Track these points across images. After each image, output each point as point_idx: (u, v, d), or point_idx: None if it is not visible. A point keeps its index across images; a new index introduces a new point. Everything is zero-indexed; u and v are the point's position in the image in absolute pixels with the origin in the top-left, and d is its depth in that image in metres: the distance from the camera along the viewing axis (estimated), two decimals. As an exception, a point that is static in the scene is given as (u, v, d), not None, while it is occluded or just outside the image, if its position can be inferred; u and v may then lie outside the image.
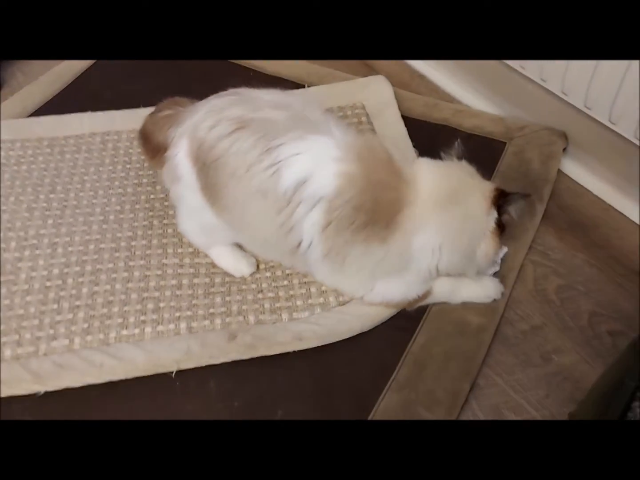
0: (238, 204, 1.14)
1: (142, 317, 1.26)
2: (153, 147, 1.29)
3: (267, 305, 1.28)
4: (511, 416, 1.15)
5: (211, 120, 1.12)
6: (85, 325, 1.25)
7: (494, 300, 1.27)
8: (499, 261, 1.32)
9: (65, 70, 1.92)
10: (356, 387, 1.17)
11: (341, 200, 1.07)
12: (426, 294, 1.24)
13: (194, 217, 1.29)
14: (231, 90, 1.19)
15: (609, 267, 1.37)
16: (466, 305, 1.28)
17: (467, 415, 1.15)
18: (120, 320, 1.26)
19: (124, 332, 1.23)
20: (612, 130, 1.37)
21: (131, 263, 1.37)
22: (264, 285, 1.32)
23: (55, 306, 1.28)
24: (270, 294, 1.30)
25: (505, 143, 1.59)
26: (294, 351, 1.20)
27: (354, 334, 1.23)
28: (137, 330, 1.24)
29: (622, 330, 1.25)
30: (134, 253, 1.39)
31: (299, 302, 1.28)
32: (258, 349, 1.19)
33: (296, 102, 1.16)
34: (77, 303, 1.29)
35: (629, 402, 0.77)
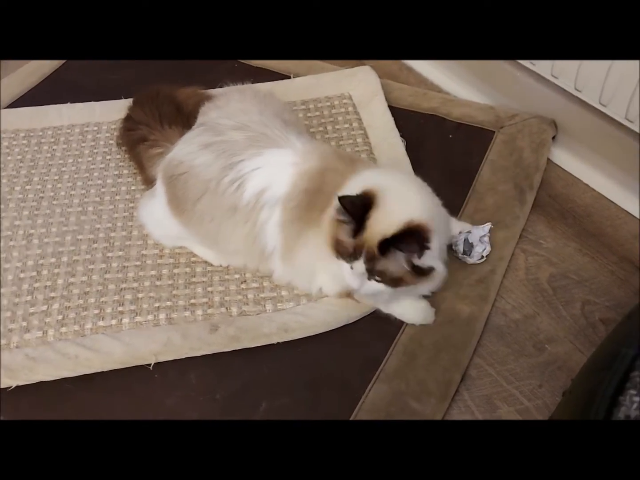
0: (213, 221, 1.18)
1: (120, 308, 1.21)
2: (150, 178, 1.36)
3: (250, 296, 1.23)
4: (503, 407, 1.11)
5: (181, 145, 1.22)
6: (60, 317, 1.19)
7: (425, 321, 1.19)
8: (487, 240, 1.28)
9: (44, 62, 1.87)
10: (343, 378, 1.12)
11: (295, 192, 1.13)
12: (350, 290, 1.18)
13: (160, 225, 1.30)
14: (199, 122, 1.27)
15: (602, 255, 1.34)
16: (457, 294, 1.24)
17: (458, 406, 1.11)
18: (96, 311, 1.20)
19: (101, 323, 1.18)
20: (603, 115, 1.34)
21: (109, 254, 1.32)
22: (248, 275, 1.27)
23: (29, 298, 1.23)
24: (254, 284, 1.25)
25: (494, 132, 1.56)
26: (279, 342, 1.15)
27: (341, 324, 1.19)
28: (114, 322, 1.18)
29: (616, 319, 1.21)
30: (113, 244, 1.34)
31: (284, 293, 1.23)
32: (242, 340, 1.14)
33: (256, 123, 1.21)
34: (52, 295, 1.24)
35: (627, 372, 0.72)
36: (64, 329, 1.17)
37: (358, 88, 1.69)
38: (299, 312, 1.19)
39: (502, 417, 1.09)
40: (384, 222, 1.00)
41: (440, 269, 1.06)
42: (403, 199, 1.05)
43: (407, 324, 1.20)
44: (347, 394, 1.09)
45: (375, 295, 1.10)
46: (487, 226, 1.29)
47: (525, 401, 1.11)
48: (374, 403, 1.08)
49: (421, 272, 1.03)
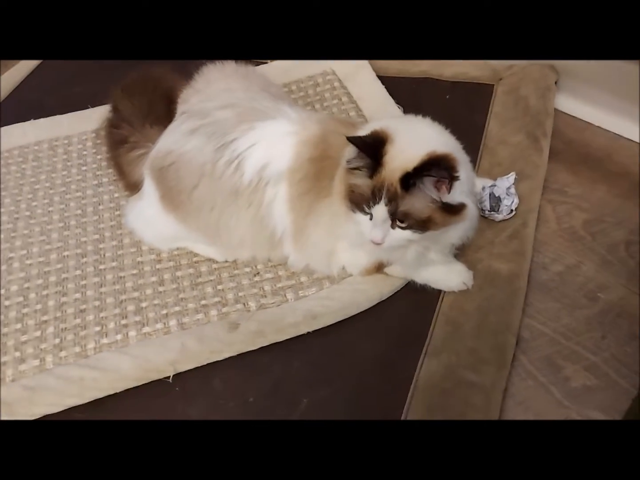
0: (214, 210, 1.06)
1: (124, 321, 1.07)
2: (131, 184, 1.25)
3: (267, 288, 1.10)
4: (568, 365, 0.99)
5: (166, 136, 1.11)
6: (57, 341, 1.05)
7: (464, 286, 1.07)
8: (514, 192, 1.17)
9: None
10: (386, 360, 1.00)
11: (300, 162, 1.02)
12: (381, 263, 1.06)
13: (153, 227, 1.18)
14: (180, 111, 1.16)
15: (635, 194, 1.24)
16: (491, 253, 1.13)
17: (518, 373, 0.99)
18: (97, 328, 1.07)
19: (104, 340, 1.04)
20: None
21: (102, 266, 1.18)
22: (260, 267, 1.14)
23: (19, 326, 1.09)
24: (269, 275, 1.13)
25: (493, 85, 1.47)
26: (308, 332, 1.03)
27: (373, 303, 1.06)
28: (119, 337, 1.05)
29: (666, 254, 1.12)
30: (104, 256, 1.20)
31: (303, 279, 1.11)
32: (266, 335, 1.01)
33: (243, 98, 1.10)
34: (44, 318, 1.10)
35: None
36: (63, 353, 1.03)
37: (341, 63, 1.59)
38: (323, 296, 1.07)
39: (568, 377, 0.98)
40: (403, 157, 0.88)
41: (471, 206, 0.94)
42: (419, 134, 0.94)
43: (444, 292, 1.08)
44: (395, 375, 0.97)
45: (403, 250, 0.96)
46: (512, 176, 1.19)
47: (590, 356, 1.00)
48: (426, 381, 0.96)
49: (451, 210, 0.90)
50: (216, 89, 1.15)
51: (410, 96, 1.49)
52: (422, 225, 0.89)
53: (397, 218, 0.89)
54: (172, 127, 1.13)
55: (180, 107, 1.21)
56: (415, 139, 0.92)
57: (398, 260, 1.02)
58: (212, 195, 1.04)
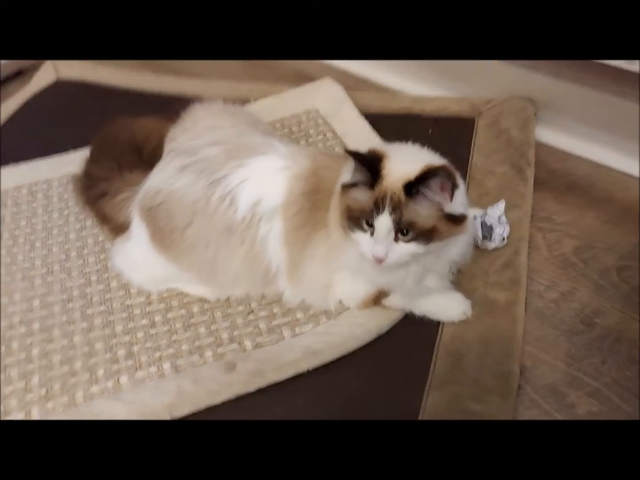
0: (208, 247, 1.04)
1: (115, 367, 1.03)
2: (116, 228, 1.23)
3: (262, 326, 1.08)
4: (571, 392, 0.98)
5: (154, 175, 1.10)
6: (43, 391, 1.00)
7: (464, 315, 1.06)
8: (505, 220, 1.18)
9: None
10: (390, 394, 0.97)
11: (293, 196, 1.02)
12: (382, 292, 1.05)
13: (142, 268, 1.15)
14: (167, 150, 1.16)
15: (622, 219, 1.26)
16: (486, 282, 1.13)
17: (523, 402, 0.97)
18: (87, 375, 1.02)
19: (94, 388, 1.00)
20: (577, 79, 1.30)
21: (89, 311, 1.14)
22: (253, 304, 1.12)
23: (2, 376, 1.03)
24: (263, 313, 1.10)
25: (474, 118, 1.50)
26: (308, 370, 1.00)
27: (373, 337, 1.04)
28: (110, 383, 1.00)
29: (657, 278, 1.13)
30: (91, 300, 1.17)
31: (299, 315, 1.09)
32: (265, 374, 0.98)
33: (232, 135, 1.10)
34: (29, 367, 1.05)
35: None
36: (50, 404, 0.98)
37: (324, 100, 1.61)
38: (321, 332, 1.05)
39: (573, 404, 0.96)
40: (402, 168, 0.88)
41: (470, 218, 0.95)
42: (413, 153, 0.96)
43: (444, 323, 1.06)
44: (400, 410, 0.94)
45: (404, 273, 0.95)
46: (502, 204, 1.20)
47: (592, 382, 0.99)
48: (432, 413, 0.93)
49: (454, 220, 0.90)
50: (203, 126, 1.15)
51: (393, 132, 1.48)
52: (426, 235, 0.88)
53: (402, 228, 0.88)
54: (160, 167, 1.12)
55: (168, 146, 1.19)
56: (410, 156, 0.94)
57: (398, 286, 1.00)
58: (206, 232, 1.03)
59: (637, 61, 1.13)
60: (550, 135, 1.48)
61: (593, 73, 1.34)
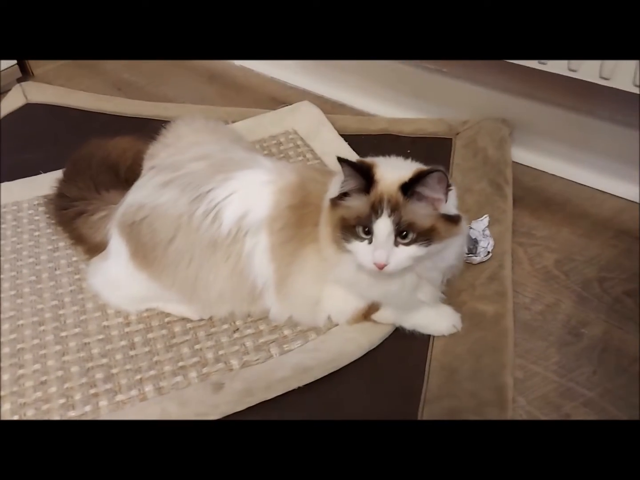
0: (192, 263, 1.01)
1: (92, 391, 0.97)
2: (92, 248, 1.20)
3: (249, 344, 1.04)
4: (566, 403, 0.97)
5: (135, 192, 1.07)
6: (15, 418, 0.93)
7: (454, 329, 1.05)
8: (489, 234, 1.19)
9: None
10: (384, 409, 0.95)
11: (279, 210, 1.00)
12: (372, 306, 1.03)
13: (120, 288, 1.11)
14: (148, 167, 1.15)
15: (598, 233, 1.29)
16: (473, 295, 1.12)
17: (519, 415, 0.96)
18: (62, 400, 0.96)
19: (71, 413, 0.94)
20: (548, 100, 1.35)
21: (63, 334, 1.09)
22: (239, 322, 1.08)
23: (-32, 404, 0.96)
24: (249, 331, 1.07)
25: (451, 139, 1.53)
26: (299, 387, 0.96)
27: (364, 352, 1.02)
28: (88, 408, 0.94)
29: (638, 289, 1.14)
30: (65, 322, 1.11)
31: (287, 332, 1.06)
32: (255, 393, 0.94)
33: (216, 150, 1.09)
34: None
35: None
36: (22, 431, 0.91)
37: (302, 122, 1.61)
38: (311, 348, 1.01)
39: (569, 414, 0.95)
40: (395, 174, 0.89)
41: (463, 219, 0.95)
42: (400, 162, 0.97)
43: (434, 337, 1.05)
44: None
45: (400, 283, 0.94)
46: (486, 218, 1.21)
47: (586, 392, 0.99)
48: (430, 429, 0.90)
49: (451, 220, 0.90)
50: (187, 142, 1.13)
51: (373, 152, 1.48)
52: (426, 236, 0.87)
53: (401, 230, 0.86)
54: (140, 183, 1.09)
55: (148, 163, 1.17)
56: (399, 164, 0.95)
57: (392, 298, 0.98)
58: (190, 247, 0.99)
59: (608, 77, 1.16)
60: (524, 155, 1.51)
61: (564, 94, 1.38)
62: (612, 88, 1.18)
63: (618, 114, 1.32)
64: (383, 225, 0.86)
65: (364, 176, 0.88)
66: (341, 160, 0.88)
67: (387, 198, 0.86)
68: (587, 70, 1.15)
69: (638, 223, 1.29)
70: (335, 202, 0.92)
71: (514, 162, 1.50)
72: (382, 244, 0.86)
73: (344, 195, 0.91)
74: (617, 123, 1.33)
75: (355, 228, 0.88)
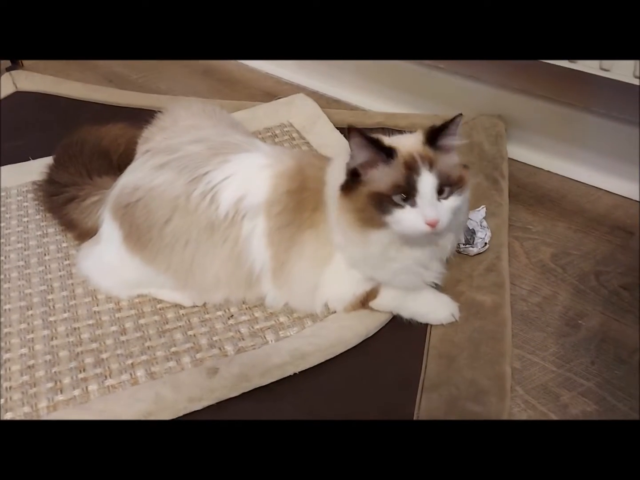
0: (188, 245, 0.99)
1: (81, 375, 0.94)
2: (83, 233, 1.17)
3: (244, 330, 1.02)
4: (564, 393, 0.96)
5: (130, 174, 1.05)
6: (1, 402, 0.90)
7: (452, 318, 1.04)
8: (486, 225, 1.19)
9: None
10: (381, 397, 0.93)
11: (278, 194, 0.99)
12: (370, 294, 1.02)
13: (112, 272, 1.08)
14: (142, 151, 1.13)
15: (593, 228, 1.29)
16: (471, 286, 1.11)
17: (517, 404, 0.94)
18: (50, 384, 0.93)
19: (60, 397, 0.91)
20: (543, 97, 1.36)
21: (51, 318, 1.06)
22: (233, 309, 1.06)
23: (-48, 388, 0.93)
24: (244, 317, 1.04)
25: (447, 135, 1.52)
26: (296, 374, 0.94)
27: (361, 339, 1.00)
28: (77, 392, 0.91)
29: (635, 282, 1.14)
30: (54, 307, 1.08)
31: (282, 319, 1.04)
32: (251, 378, 0.91)
33: (214, 134, 1.08)
34: (-15, 377, 0.94)
35: None
36: (9, 415, 0.88)
37: (297, 115, 1.60)
38: (308, 334, 0.99)
39: (567, 404, 0.94)
40: (404, 138, 0.91)
41: None
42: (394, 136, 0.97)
43: (432, 326, 1.04)
44: (392, 412, 0.89)
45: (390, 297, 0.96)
46: (483, 209, 1.20)
47: (584, 382, 0.98)
48: (428, 416, 0.89)
49: (465, 167, 0.93)
50: (183, 126, 1.11)
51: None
52: (458, 186, 0.88)
53: (442, 184, 0.85)
54: (135, 165, 1.07)
55: (142, 147, 1.15)
56: (394, 136, 0.96)
57: (407, 274, 0.96)
58: (187, 229, 0.97)
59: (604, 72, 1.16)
60: (520, 152, 1.51)
61: (559, 91, 1.39)
62: (607, 85, 1.19)
63: (613, 111, 1.33)
64: (427, 182, 0.84)
65: (380, 144, 0.86)
66: (353, 130, 0.85)
67: (419, 156, 0.85)
68: (588, 62, 1.15)
69: (633, 219, 1.30)
70: (350, 185, 0.89)
71: (509, 158, 1.50)
72: (430, 201, 0.85)
73: (355, 175, 0.89)
74: (612, 120, 1.34)
75: (392, 197, 0.85)
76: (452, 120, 0.88)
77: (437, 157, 0.87)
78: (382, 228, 0.88)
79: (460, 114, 0.89)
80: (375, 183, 0.87)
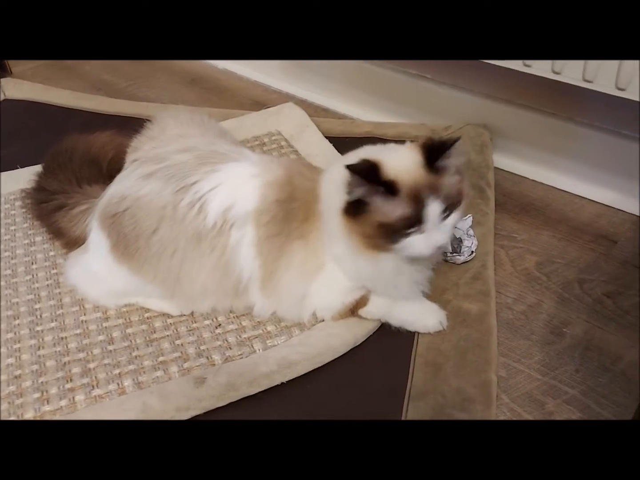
0: (175, 255, 0.99)
1: (68, 385, 0.94)
2: (70, 242, 1.17)
3: (231, 339, 1.02)
4: (549, 400, 0.97)
5: (118, 183, 1.06)
6: (-14, 412, 0.89)
7: (440, 326, 1.05)
8: (473, 233, 1.20)
9: None
10: (369, 405, 0.94)
11: (267, 204, 0.99)
12: (359, 302, 1.03)
13: (99, 282, 1.08)
14: (130, 160, 1.13)
15: (576, 237, 1.31)
16: (457, 294, 1.12)
17: (503, 412, 0.96)
18: (36, 395, 0.92)
19: (46, 407, 0.90)
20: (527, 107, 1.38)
21: (38, 328, 1.05)
22: (221, 318, 1.06)
23: (-63, 398, 0.92)
24: (232, 326, 1.05)
25: (434, 144, 1.54)
26: (283, 383, 0.94)
27: (349, 348, 1.01)
28: (64, 402, 0.91)
29: (618, 291, 1.16)
30: (41, 316, 1.08)
31: (270, 328, 1.04)
32: (239, 388, 0.92)
33: (202, 143, 1.08)
34: (-30, 387, 0.93)
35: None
36: (-6, 425, 0.87)
37: (286, 124, 1.61)
38: (296, 343, 1.00)
39: (552, 412, 0.96)
40: (403, 160, 0.89)
41: None
42: (391, 147, 0.98)
43: (419, 334, 1.05)
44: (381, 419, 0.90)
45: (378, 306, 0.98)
46: (469, 218, 1.21)
47: (568, 389, 0.99)
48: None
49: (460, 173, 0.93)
50: (171, 135, 1.11)
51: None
52: (457, 200, 0.89)
53: (445, 203, 0.87)
54: (123, 175, 1.07)
55: (131, 156, 1.15)
56: (392, 148, 0.96)
57: (403, 287, 0.99)
58: (174, 238, 0.98)
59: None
60: (505, 161, 1.53)
61: (544, 101, 1.41)
62: (590, 96, 1.21)
63: (596, 121, 1.35)
64: (433, 210, 0.86)
65: (382, 181, 0.85)
66: (349, 167, 0.85)
67: (423, 185, 0.85)
68: (570, 73, 1.17)
69: (615, 228, 1.32)
70: (353, 212, 0.89)
71: (495, 167, 1.52)
72: (436, 226, 0.87)
73: (360, 202, 0.88)
74: (596, 130, 1.36)
75: (400, 229, 0.87)
76: (453, 143, 0.87)
77: (439, 181, 0.87)
78: (390, 251, 0.90)
79: (459, 137, 0.89)
80: (381, 214, 0.87)
